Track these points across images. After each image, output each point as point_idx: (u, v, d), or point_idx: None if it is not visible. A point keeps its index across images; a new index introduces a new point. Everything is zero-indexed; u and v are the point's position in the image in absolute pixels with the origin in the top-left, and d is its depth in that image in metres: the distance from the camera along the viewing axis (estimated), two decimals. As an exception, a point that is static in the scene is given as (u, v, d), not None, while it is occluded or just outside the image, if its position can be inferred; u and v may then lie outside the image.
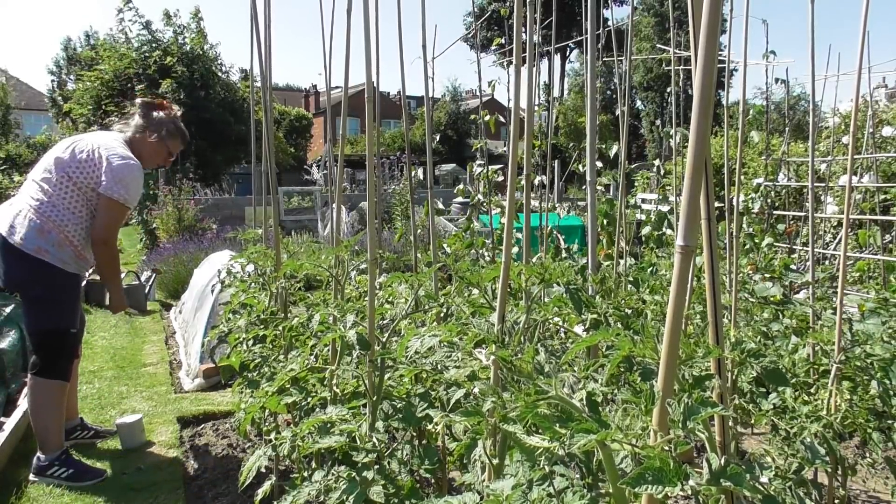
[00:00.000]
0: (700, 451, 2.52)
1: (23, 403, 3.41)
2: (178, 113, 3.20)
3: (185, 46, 16.96)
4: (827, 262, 5.10)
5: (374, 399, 1.60)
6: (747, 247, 4.34)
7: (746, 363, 1.37)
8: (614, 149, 4.18)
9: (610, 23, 3.21)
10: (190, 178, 13.38)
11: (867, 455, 2.79)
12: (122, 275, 6.95)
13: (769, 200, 5.02)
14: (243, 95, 17.26)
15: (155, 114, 3.11)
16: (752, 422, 2.23)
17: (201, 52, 17.14)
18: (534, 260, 2.50)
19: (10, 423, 3.18)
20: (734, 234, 2.43)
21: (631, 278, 2.86)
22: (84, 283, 3.14)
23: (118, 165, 2.80)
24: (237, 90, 17.64)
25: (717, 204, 1.22)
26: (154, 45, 16.75)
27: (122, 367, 4.60)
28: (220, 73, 17.62)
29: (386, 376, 1.65)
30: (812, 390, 2.13)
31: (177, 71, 16.11)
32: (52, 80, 32.04)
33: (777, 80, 4.67)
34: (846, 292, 2.27)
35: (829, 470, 1.96)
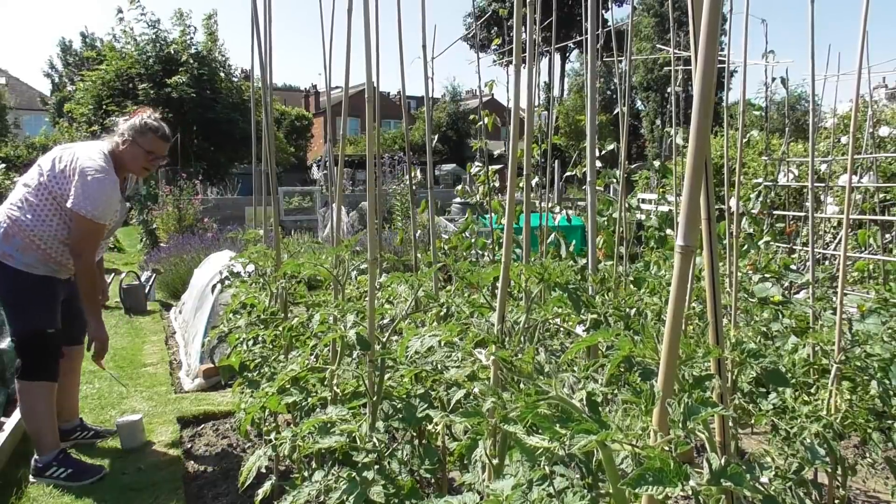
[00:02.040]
0: (700, 451, 2.52)
1: (23, 403, 3.42)
2: (150, 113, 3.05)
3: (192, 48, 16.99)
4: (827, 262, 5.10)
5: (375, 399, 1.60)
6: (745, 248, 4.34)
7: (746, 363, 1.38)
8: (611, 146, 4.19)
9: (610, 23, 3.21)
10: (200, 180, 13.42)
11: (867, 455, 2.79)
12: (121, 275, 6.94)
13: (769, 200, 5.02)
14: (245, 98, 17.33)
15: (125, 120, 3.04)
16: (752, 422, 2.23)
17: (207, 54, 17.18)
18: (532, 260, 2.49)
19: (10, 423, 3.18)
20: (734, 234, 2.43)
21: (632, 278, 2.86)
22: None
23: (90, 181, 2.75)
24: (242, 90, 17.70)
25: (717, 205, 1.22)
26: (159, 44, 16.76)
27: (122, 367, 4.60)
28: (223, 74, 17.66)
29: (386, 376, 1.65)
30: (812, 390, 2.13)
31: (186, 70, 16.14)
32: (52, 81, 32.02)
33: (774, 79, 4.67)
34: (846, 292, 2.27)
35: (829, 470, 1.96)
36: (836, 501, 2.06)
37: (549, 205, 4.29)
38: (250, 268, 2.88)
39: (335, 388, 1.87)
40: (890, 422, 2.03)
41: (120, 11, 16.75)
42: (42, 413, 2.85)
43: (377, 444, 1.48)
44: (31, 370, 2.84)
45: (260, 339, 2.43)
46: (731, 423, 1.37)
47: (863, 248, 4.84)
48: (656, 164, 5.66)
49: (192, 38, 17.26)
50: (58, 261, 2.85)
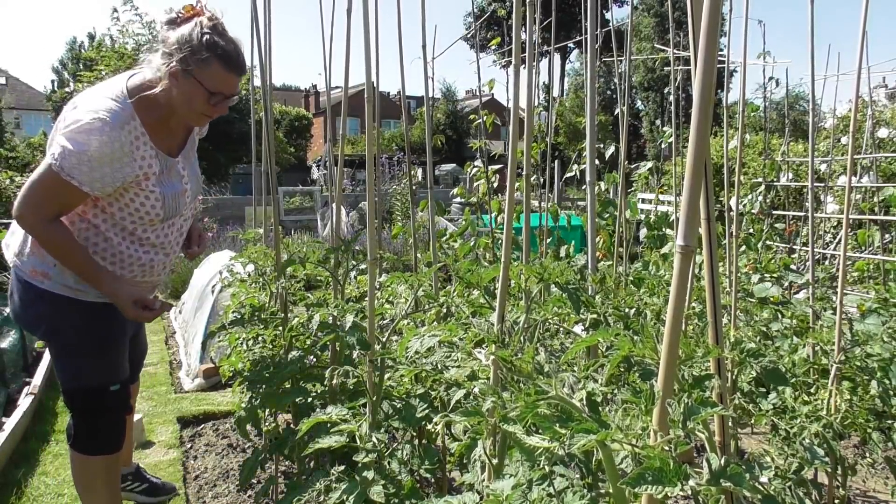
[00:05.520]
0: (700, 451, 2.52)
1: (23, 403, 3.41)
2: (215, 17, 1.82)
3: None
4: (827, 262, 5.10)
5: (374, 399, 1.60)
6: (742, 249, 4.35)
7: (746, 363, 1.38)
8: (611, 149, 4.19)
9: (610, 23, 3.21)
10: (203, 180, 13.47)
11: (867, 455, 2.79)
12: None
13: (768, 200, 5.03)
14: (244, 95, 17.35)
15: (174, 33, 1.78)
16: (752, 422, 2.23)
17: None
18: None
19: (10, 423, 3.17)
20: (734, 234, 2.43)
21: (631, 279, 2.86)
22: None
23: (75, 126, 1.71)
24: (240, 90, 17.71)
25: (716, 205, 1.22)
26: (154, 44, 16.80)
27: (121, 367, 4.60)
28: None
29: (386, 376, 1.65)
30: (812, 390, 2.13)
31: None
32: (52, 81, 32.07)
33: (771, 79, 4.67)
34: (846, 292, 2.27)
35: (829, 470, 1.96)
36: (836, 501, 2.06)
37: (549, 205, 4.29)
38: (250, 267, 2.88)
39: (335, 388, 1.87)
40: (890, 422, 2.03)
41: (115, 11, 16.77)
42: (101, 494, 2.07)
43: (377, 444, 1.49)
44: (84, 440, 2.01)
45: (260, 339, 2.43)
46: (730, 423, 1.37)
47: (863, 248, 4.84)
48: (651, 164, 5.66)
49: None
50: (126, 277, 1.99)
